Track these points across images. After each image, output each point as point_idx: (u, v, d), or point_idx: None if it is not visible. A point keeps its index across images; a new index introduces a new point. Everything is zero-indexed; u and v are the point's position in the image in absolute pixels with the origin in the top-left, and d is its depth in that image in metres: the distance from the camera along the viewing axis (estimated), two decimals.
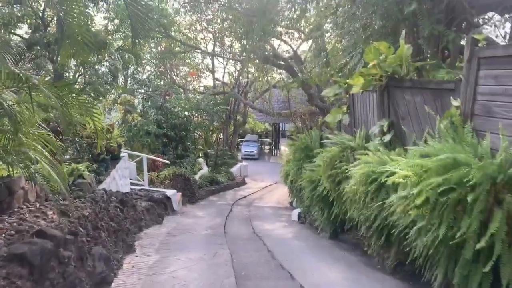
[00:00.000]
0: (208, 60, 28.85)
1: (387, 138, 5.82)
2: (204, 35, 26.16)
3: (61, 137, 6.83)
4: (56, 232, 4.01)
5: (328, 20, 12.48)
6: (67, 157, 8.46)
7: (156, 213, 10.35)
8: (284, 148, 46.78)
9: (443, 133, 4.44)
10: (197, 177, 18.80)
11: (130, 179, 11.45)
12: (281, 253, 6.75)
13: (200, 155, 24.14)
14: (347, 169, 6.29)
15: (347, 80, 6.50)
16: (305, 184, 8.18)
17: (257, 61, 17.93)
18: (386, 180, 4.49)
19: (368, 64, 6.39)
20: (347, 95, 7.41)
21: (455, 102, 4.70)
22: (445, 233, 3.52)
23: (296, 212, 11.32)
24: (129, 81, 23.16)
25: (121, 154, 10.06)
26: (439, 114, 4.92)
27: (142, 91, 17.77)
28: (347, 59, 8.54)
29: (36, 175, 4.12)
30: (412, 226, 4.02)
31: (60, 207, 4.79)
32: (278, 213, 12.98)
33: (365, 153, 5.74)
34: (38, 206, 5.10)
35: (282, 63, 16.86)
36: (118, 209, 7.41)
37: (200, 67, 28.04)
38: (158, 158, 13.63)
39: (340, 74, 9.07)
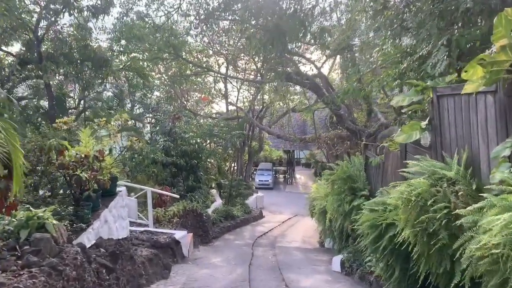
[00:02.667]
0: (221, 85, 27.15)
1: None
2: (216, 58, 24.50)
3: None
4: None
5: (367, 22, 10.48)
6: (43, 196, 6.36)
7: (162, 264, 8.11)
8: (300, 176, 44.72)
9: None
10: (210, 211, 16.56)
11: (130, 219, 9.31)
12: None
13: (213, 185, 21.95)
14: (450, 213, 4.07)
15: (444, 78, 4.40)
16: (365, 229, 5.93)
17: (275, 81, 15.98)
18: None
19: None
20: (427, 104, 5.25)
21: None
22: None
23: (337, 260, 8.99)
24: (136, 106, 21.35)
25: (118, 189, 7.94)
26: None
27: (150, 116, 15.83)
28: (410, 61, 6.43)
29: None
30: None
31: None
32: (310, 258, 10.62)
33: (495, 191, 3.54)
34: None
35: (307, 81, 14.86)
36: (105, 270, 5.21)
37: (213, 91, 26.25)
38: (165, 192, 11.49)
39: (396, 83, 6.93)
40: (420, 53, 5.68)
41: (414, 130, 5.26)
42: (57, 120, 8.59)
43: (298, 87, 23.04)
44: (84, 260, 4.40)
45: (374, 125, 14.17)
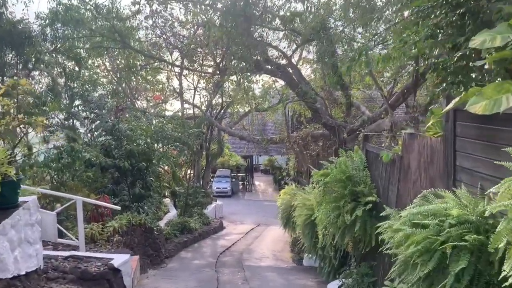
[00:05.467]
0: (175, 83, 24.48)
1: None
2: (170, 50, 21.81)
3: None
4: None
5: None
6: None
7: None
8: (259, 183, 42.56)
9: None
10: (162, 224, 13.96)
11: (45, 241, 6.67)
12: None
13: (166, 194, 19.24)
14: None
15: None
16: (413, 255, 3.72)
17: (240, 72, 13.74)
18: None
19: None
20: None
21: None
22: None
23: (334, 285, 6.82)
24: (76, 103, 18.19)
25: (22, 199, 5.31)
26: None
27: (88, 111, 13.01)
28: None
29: None
30: None
31: None
32: (293, 284, 8.37)
33: None
34: None
35: (278, 70, 12.73)
36: None
37: (166, 89, 23.57)
38: (101, 203, 8.82)
39: (427, 42, 4.87)
40: None
41: (505, 92, 3.16)
42: None
43: (257, 91, 20.97)
44: None
45: (356, 120, 12.27)
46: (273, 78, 16.02)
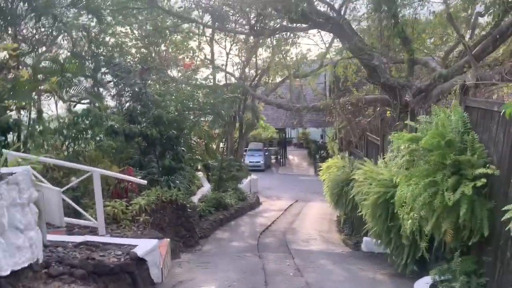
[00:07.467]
0: (206, 50, 22.73)
1: None
2: (200, 15, 20.03)
3: None
4: None
5: None
6: None
7: None
8: (292, 157, 40.83)
9: None
10: (196, 199, 12.58)
11: (50, 224, 5.30)
12: None
13: (199, 167, 17.86)
14: None
15: None
16: None
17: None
18: None
19: None
20: None
21: None
22: None
23: (424, 284, 5.14)
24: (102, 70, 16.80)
25: (4, 170, 3.86)
26: None
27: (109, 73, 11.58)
28: None
29: None
30: None
31: None
32: (359, 277, 6.73)
33: None
34: None
35: (326, 22, 10.77)
36: None
37: (197, 55, 21.88)
38: (124, 176, 7.37)
39: None
40: None
41: None
42: None
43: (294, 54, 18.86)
44: None
45: (425, 78, 10.26)
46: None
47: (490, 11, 8.64)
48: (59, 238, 5.67)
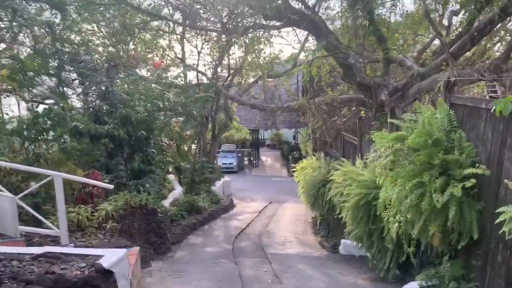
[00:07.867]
0: (177, 48, 22.11)
1: None
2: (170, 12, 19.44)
3: None
4: None
5: None
6: None
7: None
8: (265, 158, 40.59)
9: None
10: (167, 203, 12.06)
11: (3, 235, 4.75)
12: None
13: (170, 169, 17.28)
14: None
15: None
16: None
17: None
18: None
19: None
20: None
21: None
22: None
23: None
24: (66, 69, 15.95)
25: None
26: None
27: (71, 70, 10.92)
28: None
29: None
30: None
31: None
32: (338, 283, 6.46)
33: None
34: None
35: (300, 19, 10.51)
36: None
37: (166, 54, 21.28)
38: (88, 180, 6.83)
39: None
40: None
41: None
42: None
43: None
44: None
45: (401, 77, 10.17)
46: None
47: (467, 9, 8.60)
48: (15, 250, 5.11)
